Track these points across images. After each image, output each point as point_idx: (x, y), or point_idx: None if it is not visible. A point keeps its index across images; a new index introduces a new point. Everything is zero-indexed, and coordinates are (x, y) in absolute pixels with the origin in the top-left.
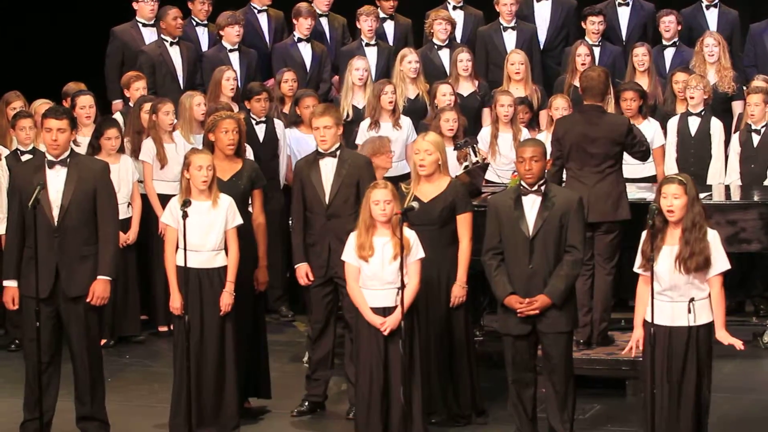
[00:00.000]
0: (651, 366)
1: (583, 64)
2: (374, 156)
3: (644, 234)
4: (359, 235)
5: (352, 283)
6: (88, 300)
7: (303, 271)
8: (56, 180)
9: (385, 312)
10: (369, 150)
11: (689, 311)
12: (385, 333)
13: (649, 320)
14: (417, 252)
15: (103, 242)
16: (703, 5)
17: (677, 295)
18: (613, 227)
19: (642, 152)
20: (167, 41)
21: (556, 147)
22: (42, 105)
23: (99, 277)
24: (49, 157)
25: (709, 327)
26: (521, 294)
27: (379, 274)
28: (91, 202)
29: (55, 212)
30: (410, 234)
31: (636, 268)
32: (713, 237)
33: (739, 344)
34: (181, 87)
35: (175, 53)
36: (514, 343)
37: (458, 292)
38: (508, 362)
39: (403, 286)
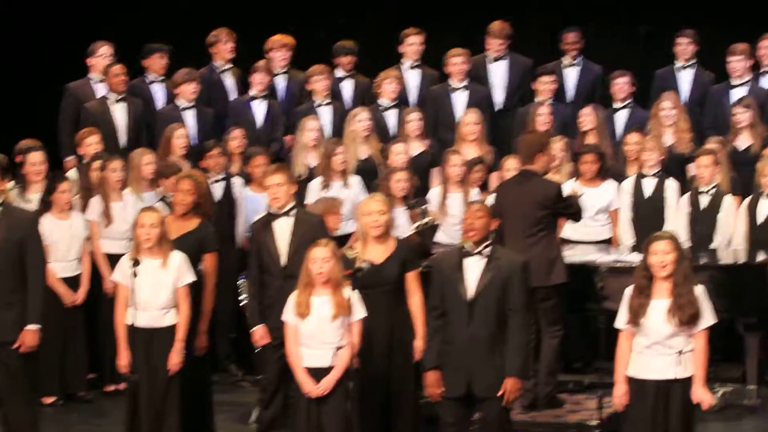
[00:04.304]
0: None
1: (546, 123)
2: (325, 215)
3: (629, 290)
4: (298, 294)
5: (289, 343)
6: (16, 347)
7: (260, 334)
8: None
9: (319, 372)
10: (321, 209)
11: (678, 363)
12: (310, 395)
13: (634, 376)
14: (357, 312)
15: (31, 291)
16: (676, 66)
17: (665, 348)
18: (551, 293)
19: (572, 214)
20: (112, 98)
21: (495, 209)
22: None
23: (28, 327)
24: None
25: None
26: (458, 355)
27: (315, 334)
28: (18, 251)
29: None
30: (350, 294)
31: (620, 324)
32: (701, 291)
33: (708, 403)
34: (122, 144)
35: (119, 110)
36: (449, 404)
37: (421, 345)
38: (444, 424)
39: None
